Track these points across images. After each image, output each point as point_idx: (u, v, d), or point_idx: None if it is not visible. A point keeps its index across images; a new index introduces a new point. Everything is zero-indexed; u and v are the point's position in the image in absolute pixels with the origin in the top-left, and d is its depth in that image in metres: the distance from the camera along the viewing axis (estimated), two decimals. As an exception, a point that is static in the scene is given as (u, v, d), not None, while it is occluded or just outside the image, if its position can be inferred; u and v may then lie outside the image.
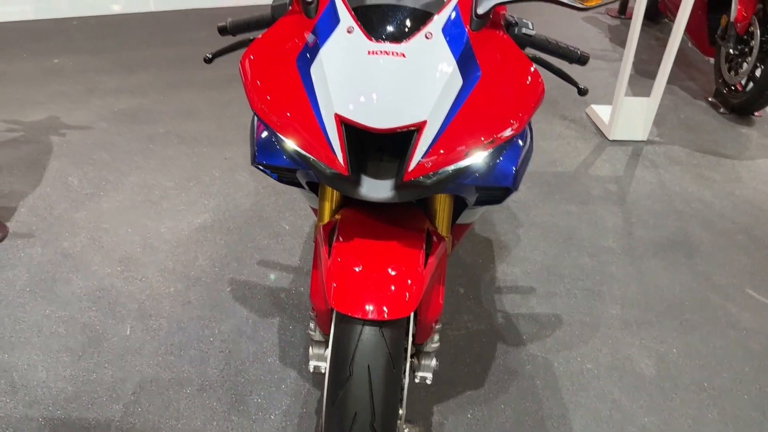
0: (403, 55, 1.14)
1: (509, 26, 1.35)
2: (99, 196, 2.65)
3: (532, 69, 1.24)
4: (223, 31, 1.54)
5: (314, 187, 1.50)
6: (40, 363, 1.89)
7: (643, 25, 5.08)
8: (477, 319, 2.13)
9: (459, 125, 1.15)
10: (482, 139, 1.16)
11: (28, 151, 2.91)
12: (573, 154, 3.20)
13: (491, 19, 1.24)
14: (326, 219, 1.44)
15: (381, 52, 1.14)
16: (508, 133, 1.18)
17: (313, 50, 1.19)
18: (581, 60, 1.42)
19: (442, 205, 1.41)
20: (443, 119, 1.14)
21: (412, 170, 1.14)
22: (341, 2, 1.20)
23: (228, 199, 2.69)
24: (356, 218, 1.36)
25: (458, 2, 1.21)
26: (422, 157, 1.14)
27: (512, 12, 2.66)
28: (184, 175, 2.83)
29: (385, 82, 1.13)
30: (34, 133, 3.07)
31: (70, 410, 1.75)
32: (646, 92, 3.78)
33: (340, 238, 1.31)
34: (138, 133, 3.13)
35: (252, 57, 1.26)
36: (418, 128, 1.13)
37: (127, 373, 1.88)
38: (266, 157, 1.33)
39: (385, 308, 1.18)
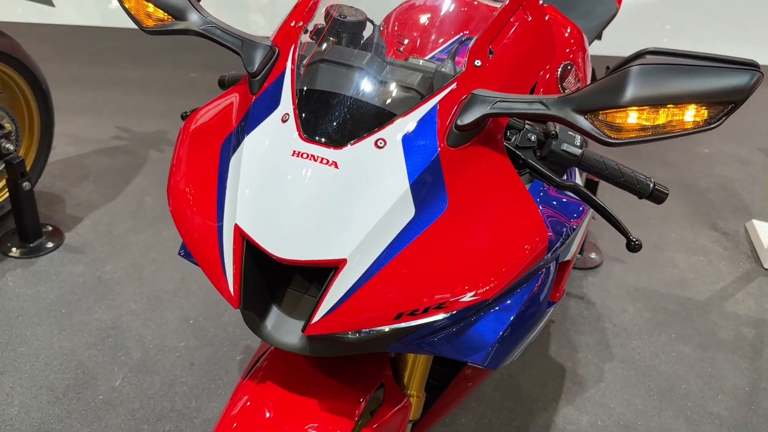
0: (336, 165, 0.81)
1: (546, 137, 0.96)
2: (164, 222, 2.56)
3: (533, 212, 0.85)
4: (221, 84, 1.31)
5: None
6: (18, 396, 1.78)
7: None
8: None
9: (395, 273, 0.80)
10: (425, 299, 0.80)
11: (121, 162, 2.94)
12: (711, 277, 2.57)
13: (485, 130, 0.87)
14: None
15: (308, 155, 0.82)
16: (469, 297, 0.80)
17: (240, 136, 0.90)
18: (654, 196, 0.98)
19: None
20: (374, 260, 0.79)
21: (316, 323, 0.81)
22: (289, 80, 0.90)
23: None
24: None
25: (439, 102, 0.85)
26: (332, 309, 0.80)
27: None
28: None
29: (304, 197, 0.81)
30: (135, 144, 3.10)
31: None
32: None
33: (260, 369, 1.02)
34: (232, 162, 3.04)
35: (187, 128, 1.01)
36: (335, 267, 0.80)
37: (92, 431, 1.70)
38: (188, 252, 1.07)
39: None
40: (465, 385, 1.32)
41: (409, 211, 0.80)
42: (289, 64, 0.92)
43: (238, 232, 0.84)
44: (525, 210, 0.84)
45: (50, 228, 2.41)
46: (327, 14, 1.01)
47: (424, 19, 1.36)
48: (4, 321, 2.02)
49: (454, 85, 0.86)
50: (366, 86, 0.89)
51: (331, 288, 0.80)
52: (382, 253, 0.79)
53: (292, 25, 0.97)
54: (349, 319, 0.80)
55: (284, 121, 0.86)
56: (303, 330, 0.83)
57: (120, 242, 2.42)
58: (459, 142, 0.84)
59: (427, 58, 1.24)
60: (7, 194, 2.38)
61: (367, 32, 1.07)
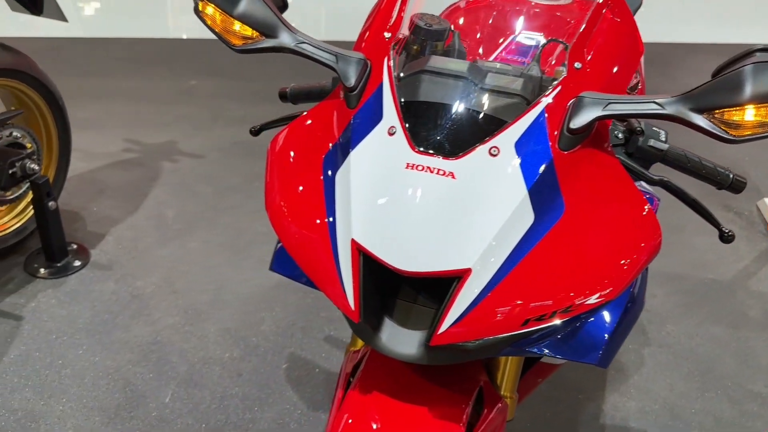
0: (453, 176, 0.82)
1: (632, 134, 0.98)
2: (188, 234, 2.54)
3: (646, 209, 0.86)
4: (282, 97, 1.31)
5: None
6: (70, 419, 1.76)
7: None
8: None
9: (520, 280, 0.81)
10: (552, 303, 0.81)
11: (136, 175, 2.90)
12: (732, 258, 2.62)
13: (593, 133, 0.88)
14: (359, 345, 1.15)
15: (423, 167, 0.83)
16: (594, 299, 0.82)
17: (344, 151, 0.90)
18: (734, 186, 1.01)
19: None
20: (498, 268, 0.80)
21: (442, 333, 0.82)
22: (389, 93, 0.90)
23: (315, 256, 2.47)
24: (387, 357, 1.05)
25: (546, 107, 0.86)
26: (459, 318, 0.81)
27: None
28: (278, 222, 2.66)
29: (423, 209, 0.82)
30: (148, 155, 3.07)
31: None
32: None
33: (361, 380, 1.02)
34: (246, 168, 3.02)
35: (279, 146, 1.01)
36: (460, 278, 0.81)
37: (150, 451, 1.69)
38: (283, 266, 1.07)
39: None
40: (535, 381, 1.34)
41: (528, 218, 0.81)
42: (385, 77, 0.92)
43: (355, 247, 0.84)
44: (638, 208, 0.86)
45: (75, 246, 2.37)
46: (411, 23, 1.01)
47: (477, 21, 1.37)
48: (44, 343, 1.99)
49: (559, 89, 0.87)
50: (472, 94, 0.90)
51: (457, 298, 0.80)
52: (506, 260, 0.80)
53: (384, 36, 0.97)
54: (476, 327, 0.81)
55: (391, 134, 0.87)
56: (427, 341, 0.84)
57: (147, 257, 2.40)
58: (571, 145, 0.85)
59: (490, 59, 1.25)
60: (30, 214, 2.35)
61: None
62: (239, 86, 3.92)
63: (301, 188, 0.94)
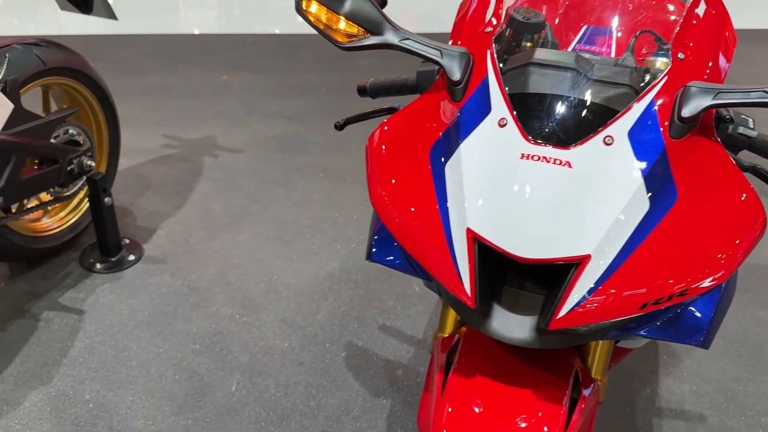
0: (569, 165, 0.85)
1: (720, 122, 1.01)
2: (236, 227, 2.59)
3: (750, 193, 0.89)
4: (362, 92, 1.34)
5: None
6: (140, 409, 1.81)
7: None
8: (626, 447, 1.75)
9: (637, 265, 0.84)
10: (669, 287, 0.84)
11: (179, 170, 2.95)
12: (772, 242, 2.64)
13: (701, 121, 0.91)
14: (447, 331, 1.18)
15: (539, 157, 0.86)
16: (708, 282, 0.85)
17: (453, 143, 0.94)
18: None
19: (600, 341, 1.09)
20: (616, 254, 0.83)
21: (561, 317, 0.85)
22: (496, 86, 0.93)
23: (360, 248, 2.51)
24: (483, 341, 1.09)
25: (655, 96, 0.89)
26: (578, 303, 0.84)
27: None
28: (322, 214, 2.70)
29: (540, 197, 0.85)
30: (189, 151, 3.11)
31: (156, 473, 1.63)
32: None
33: (460, 365, 1.05)
34: (286, 162, 3.06)
35: (380, 138, 1.04)
36: (578, 264, 0.84)
37: (222, 438, 1.74)
38: (383, 256, 1.10)
39: None
40: (609, 365, 1.37)
41: (644, 205, 0.84)
42: (490, 70, 0.95)
43: (470, 236, 0.87)
44: (744, 192, 0.89)
45: (127, 241, 2.42)
46: (507, 16, 1.04)
47: (548, 12, 1.39)
48: (107, 337, 2.04)
49: (666, 79, 0.90)
50: (582, 85, 0.93)
51: (576, 283, 0.84)
52: (624, 246, 0.83)
53: (485, 30, 1.00)
54: (594, 312, 0.84)
55: (502, 125, 0.90)
56: (540, 325, 0.87)
57: (198, 250, 2.44)
58: (681, 133, 0.88)
59: (569, 50, 1.27)
60: (83, 210, 2.39)
61: None
62: (270, 81, 3.95)
63: (408, 180, 0.97)
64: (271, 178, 2.94)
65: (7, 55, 1.89)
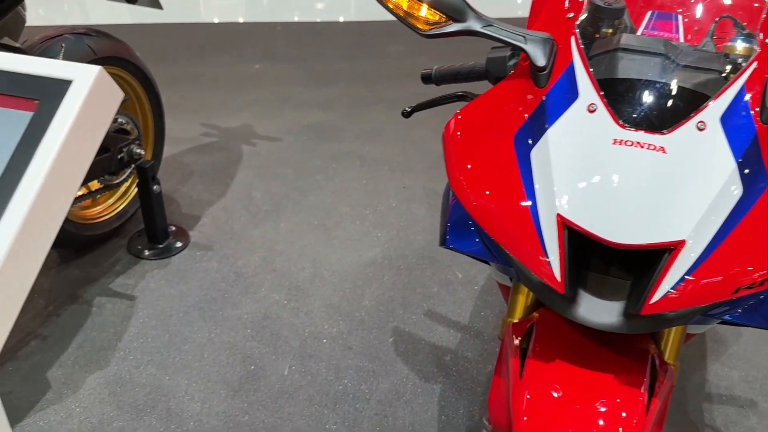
0: (663, 150, 0.86)
1: None
2: (278, 214, 2.62)
3: None
4: (426, 79, 1.35)
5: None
6: (197, 392, 1.85)
7: None
8: (678, 432, 1.76)
9: (731, 250, 0.85)
10: (762, 271, 0.85)
11: (219, 158, 2.98)
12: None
13: None
14: (517, 316, 1.20)
15: (632, 142, 0.87)
16: None
17: (538, 128, 0.95)
18: None
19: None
20: (710, 239, 0.84)
21: (655, 302, 0.86)
22: (583, 71, 0.94)
23: (401, 234, 2.53)
24: (558, 326, 1.10)
25: (746, 82, 0.90)
26: (672, 287, 0.86)
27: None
28: (360, 201, 2.72)
29: (634, 183, 0.86)
30: (227, 139, 3.14)
31: (217, 454, 1.67)
32: None
33: (536, 351, 1.06)
34: (322, 151, 3.09)
35: (459, 125, 1.05)
36: (672, 249, 0.85)
37: (278, 420, 1.77)
38: (458, 241, 1.11)
39: None
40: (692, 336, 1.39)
41: (737, 190, 0.85)
42: (576, 55, 0.96)
43: (561, 222, 0.89)
44: None
45: (174, 228, 2.46)
46: (588, 2, 1.05)
47: None
48: (160, 322, 2.08)
49: (755, 64, 0.91)
50: (672, 71, 0.93)
51: (671, 268, 0.85)
52: (718, 231, 0.84)
53: (567, 16, 1.01)
54: (688, 296, 0.86)
55: (591, 111, 0.91)
56: (637, 310, 0.88)
57: (243, 237, 2.48)
58: None
59: (638, 33, 1.28)
60: (130, 198, 2.43)
61: None
62: (300, 69, 3.97)
63: (491, 165, 0.98)
64: (309, 166, 2.97)
65: (63, 45, 1.93)
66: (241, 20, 4.81)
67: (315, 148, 3.11)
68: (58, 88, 1.13)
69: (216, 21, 4.68)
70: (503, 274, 1.37)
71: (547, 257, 0.90)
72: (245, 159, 2.98)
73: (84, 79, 1.15)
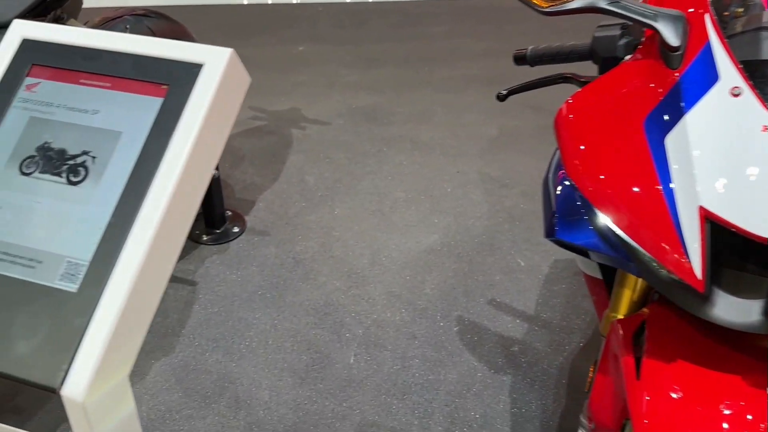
0: None
1: None
2: (332, 199, 2.58)
3: None
4: (519, 59, 1.29)
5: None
6: (264, 380, 1.84)
7: None
8: None
9: None
10: None
11: (269, 142, 2.95)
12: None
13: None
14: (623, 312, 1.15)
15: None
16: None
17: (674, 113, 0.89)
18: None
19: None
20: None
21: None
22: (724, 52, 0.88)
23: (459, 220, 2.48)
24: (673, 323, 1.05)
25: None
26: None
27: None
28: (415, 187, 2.67)
29: None
30: (276, 123, 3.11)
31: (290, 443, 1.66)
32: None
33: (652, 349, 1.01)
34: (373, 134, 3.04)
35: (574, 109, 0.99)
36: None
37: (347, 410, 1.75)
38: (569, 233, 1.06)
39: None
40: None
41: None
42: (713, 35, 0.90)
43: (704, 215, 0.83)
44: None
45: (230, 213, 2.44)
46: None
47: None
48: (223, 308, 2.07)
49: None
50: None
51: None
52: None
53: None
54: None
55: (735, 95, 0.85)
56: None
57: (299, 223, 2.45)
58: None
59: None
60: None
61: None
62: (345, 50, 3.91)
63: (616, 152, 0.93)
64: (361, 150, 2.92)
65: (127, 26, 1.90)
66: (284, 1, 4.75)
67: (365, 132, 3.07)
68: (188, 71, 1.08)
69: (259, 2, 4.63)
70: (594, 265, 1.32)
71: (686, 253, 0.85)
72: (295, 142, 2.95)
73: (215, 62, 1.10)
